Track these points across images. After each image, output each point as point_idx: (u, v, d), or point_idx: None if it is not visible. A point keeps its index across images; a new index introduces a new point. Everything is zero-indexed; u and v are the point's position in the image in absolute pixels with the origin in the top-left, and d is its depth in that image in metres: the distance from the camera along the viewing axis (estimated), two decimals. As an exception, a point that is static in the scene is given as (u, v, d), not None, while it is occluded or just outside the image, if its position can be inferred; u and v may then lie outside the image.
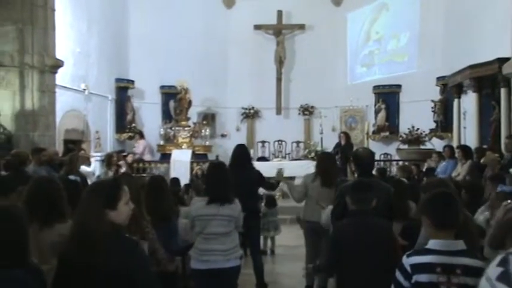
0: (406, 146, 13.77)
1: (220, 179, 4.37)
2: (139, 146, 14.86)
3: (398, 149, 14.22)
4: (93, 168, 10.23)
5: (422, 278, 2.54)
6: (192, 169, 12.85)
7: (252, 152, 15.76)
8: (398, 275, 2.64)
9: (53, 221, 3.13)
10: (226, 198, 4.29)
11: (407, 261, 2.61)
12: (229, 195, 4.32)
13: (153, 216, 3.85)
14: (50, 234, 3.07)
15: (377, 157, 14.50)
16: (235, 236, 4.35)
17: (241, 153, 6.22)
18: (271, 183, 6.71)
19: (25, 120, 9.54)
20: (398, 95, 16.09)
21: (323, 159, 6.07)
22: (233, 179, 4.71)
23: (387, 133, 15.87)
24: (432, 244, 2.61)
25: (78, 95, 12.93)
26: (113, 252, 2.43)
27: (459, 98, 12.23)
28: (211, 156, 14.82)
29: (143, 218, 3.62)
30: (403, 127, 14.80)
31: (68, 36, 12.20)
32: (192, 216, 4.34)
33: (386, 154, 15.43)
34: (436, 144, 13.37)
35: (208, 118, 17.22)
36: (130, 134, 15.44)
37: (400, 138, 14.16)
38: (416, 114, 14.41)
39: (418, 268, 2.56)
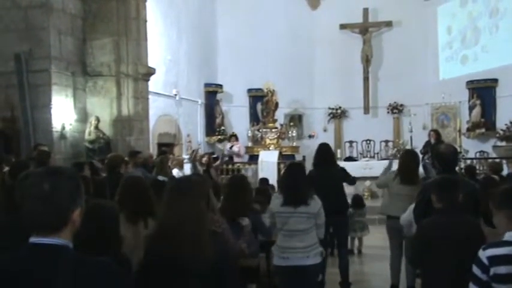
0: (503, 143, 13.05)
1: (294, 181, 4.32)
2: (240, 148, 15.15)
3: (494, 146, 13.51)
4: (184, 172, 10.61)
5: (501, 270, 2.49)
6: (279, 170, 12.99)
7: (339, 152, 15.82)
8: (475, 269, 2.60)
9: (141, 217, 3.37)
10: (301, 201, 4.23)
11: (484, 253, 2.56)
12: (304, 197, 4.24)
13: (230, 213, 3.97)
14: (139, 229, 3.31)
15: (472, 155, 13.91)
16: (315, 233, 4.35)
17: (325, 151, 6.25)
18: (352, 178, 6.67)
19: (122, 126, 10.12)
20: (495, 89, 15.27)
21: (403, 156, 6.07)
22: (318, 177, 4.73)
23: (483, 130, 15.08)
24: (509, 236, 2.55)
25: (170, 101, 13.56)
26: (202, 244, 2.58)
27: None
28: (298, 157, 14.88)
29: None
30: (501, 123, 14.03)
31: (160, 45, 12.84)
32: (272, 213, 4.42)
33: (482, 152, 14.69)
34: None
35: (295, 119, 17.36)
36: (219, 137, 15.90)
37: (497, 135, 13.46)
38: (515, 109, 13.62)
39: (495, 260, 2.51)
